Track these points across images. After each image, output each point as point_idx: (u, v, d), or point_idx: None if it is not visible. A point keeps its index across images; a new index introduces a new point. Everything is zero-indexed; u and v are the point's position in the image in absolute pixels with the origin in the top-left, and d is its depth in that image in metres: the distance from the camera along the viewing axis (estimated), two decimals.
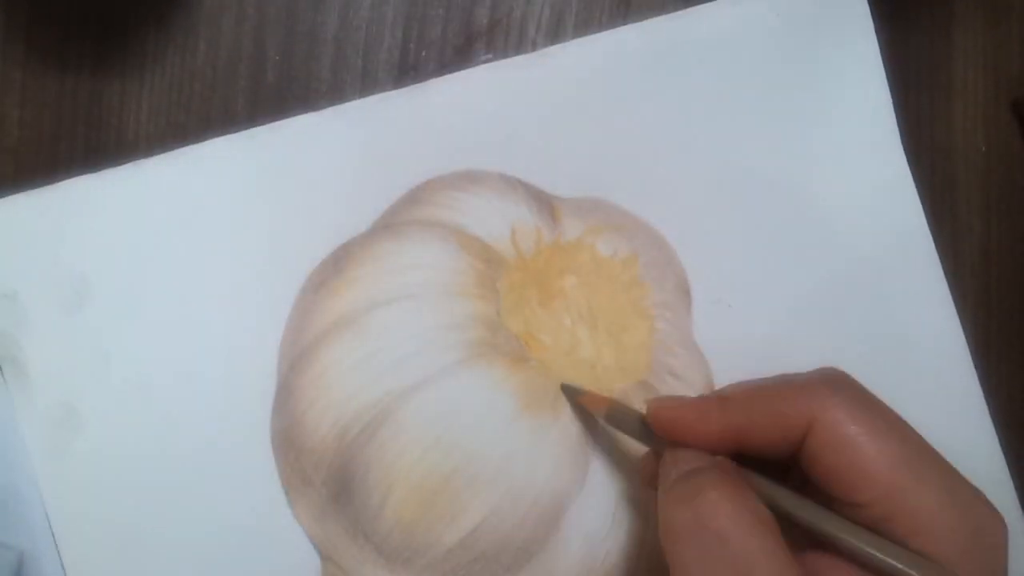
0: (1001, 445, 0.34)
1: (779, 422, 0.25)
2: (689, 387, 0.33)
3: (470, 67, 0.34)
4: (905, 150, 0.35)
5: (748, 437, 0.26)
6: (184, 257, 0.33)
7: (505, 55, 0.35)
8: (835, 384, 0.25)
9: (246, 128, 0.33)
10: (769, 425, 0.25)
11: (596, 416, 0.32)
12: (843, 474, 0.24)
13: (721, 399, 0.27)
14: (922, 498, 0.23)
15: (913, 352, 0.34)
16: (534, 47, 0.35)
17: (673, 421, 0.27)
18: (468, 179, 0.34)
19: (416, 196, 0.33)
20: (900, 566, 0.23)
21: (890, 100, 0.35)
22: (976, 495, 0.24)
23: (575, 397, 0.32)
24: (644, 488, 0.31)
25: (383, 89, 0.34)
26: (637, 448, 0.32)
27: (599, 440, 0.32)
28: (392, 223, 0.33)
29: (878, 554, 0.23)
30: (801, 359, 0.34)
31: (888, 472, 0.24)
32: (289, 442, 0.32)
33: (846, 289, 0.34)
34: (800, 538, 0.24)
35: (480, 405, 0.32)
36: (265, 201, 0.33)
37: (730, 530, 0.23)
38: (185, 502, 0.31)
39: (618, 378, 0.33)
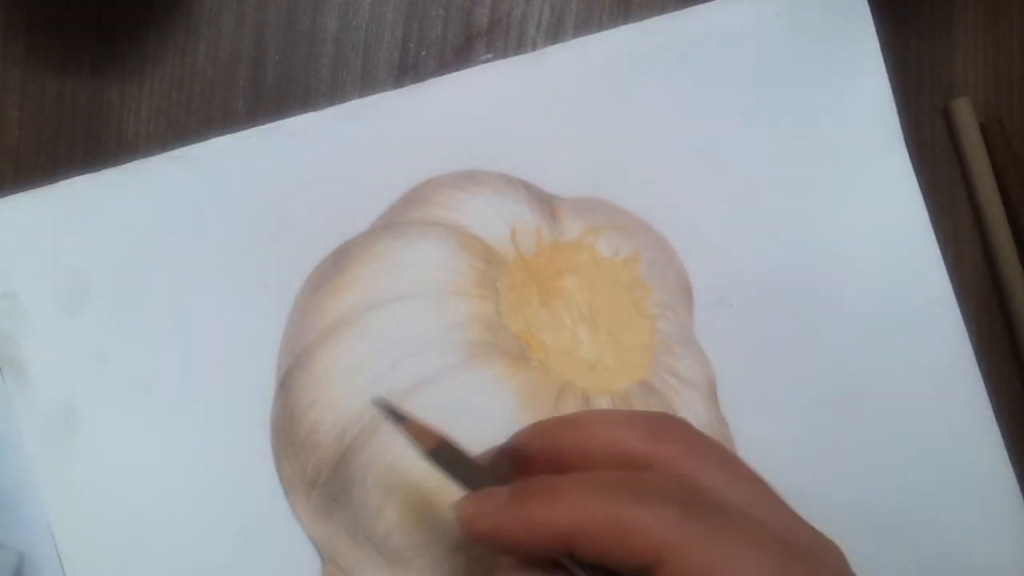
0: (1004, 443, 0.34)
1: (624, 548, 0.22)
2: (691, 387, 0.33)
3: (470, 67, 0.34)
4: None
5: (584, 550, 0.23)
6: (184, 257, 0.33)
7: (505, 55, 0.35)
8: (687, 503, 0.23)
9: (246, 128, 0.33)
10: (611, 547, 0.22)
11: (416, 448, 0.27)
12: None
13: (548, 495, 0.23)
14: None
15: (915, 350, 0.34)
16: (534, 47, 0.35)
17: (491, 529, 0.24)
18: (468, 179, 0.34)
19: (416, 196, 0.33)
20: None
21: (892, 98, 0.35)
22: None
23: (398, 420, 0.27)
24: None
25: (383, 89, 0.34)
26: None
27: None
28: (392, 223, 0.33)
29: None
30: (802, 358, 0.34)
31: None
32: (289, 442, 0.32)
33: (848, 287, 0.34)
34: None
35: (481, 405, 0.32)
36: (265, 201, 0.33)
37: None
38: (185, 502, 0.31)
39: (619, 378, 0.33)
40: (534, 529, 0.23)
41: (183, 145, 0.33)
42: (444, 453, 0.26)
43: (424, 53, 0.35)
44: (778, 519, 0.24)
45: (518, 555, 0.24)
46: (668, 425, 0.26)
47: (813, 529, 0.25)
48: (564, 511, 0.23)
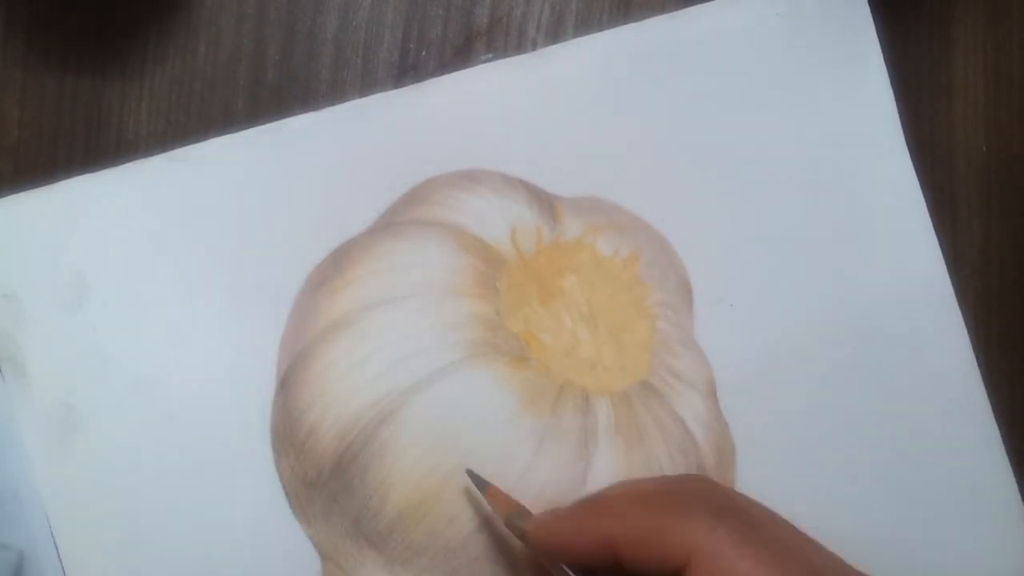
0: (1004, 443, 0.34)
1: (658, 549, 0.25)
2: (690, 386, 0.33)
3: (470, 67, 0.34)
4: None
5: (625, 555, 0.25)
6: (184, 257, 0.33)
7: (505, 55, 0.35)
8: (718, 511, 0.25)
9: (246, 128, 0.33)
10: (647, 549, 0.25)
11: (494, 512, 0.30)
12: None
13: (597, 508, 0.27)
14: None
15: (915, 350, 0.34)
16: (534, 47, 0.35)
17: (549, 536, 0.27)
18: (468, 178, 0.34)
19: (416, 195, 0.33)
20: None
21: (892, 98, 0.35)
22: None
23: (480, 486, 0.30)
24: None
25: (383, 89, 0.34)
26: (639, 448, 0.32)
27: (600, 440, 0.32)
28: (392, 223, 0.33)
29: None
30: (803, 358, 0.34)
31: None
32: (289, 442, 0.32)
33: (847, 286, 0.34)
34: None
35: (480, 405, 0.32)
36: (265, 201, 0.33)
37: None
38: (185, 502, 0.31)
39: (618, 378, 0.33)
40: (585, 537, 0.26)
41: (183, 145, 0.33)
42: (519, 518, 0.29)
43: (424, 53, 0.35)
44: (815, 554, 0.25)
45: (573, 561, 0.27)
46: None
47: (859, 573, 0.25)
48: (609, 520, 0.26)
